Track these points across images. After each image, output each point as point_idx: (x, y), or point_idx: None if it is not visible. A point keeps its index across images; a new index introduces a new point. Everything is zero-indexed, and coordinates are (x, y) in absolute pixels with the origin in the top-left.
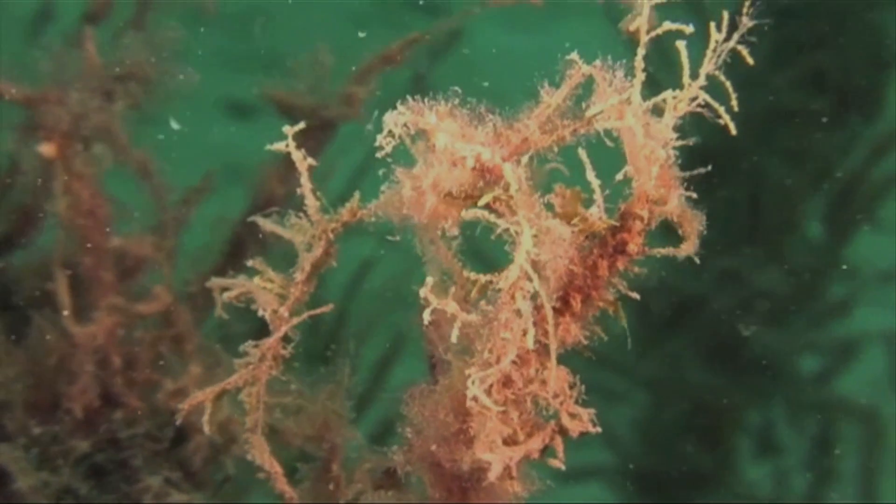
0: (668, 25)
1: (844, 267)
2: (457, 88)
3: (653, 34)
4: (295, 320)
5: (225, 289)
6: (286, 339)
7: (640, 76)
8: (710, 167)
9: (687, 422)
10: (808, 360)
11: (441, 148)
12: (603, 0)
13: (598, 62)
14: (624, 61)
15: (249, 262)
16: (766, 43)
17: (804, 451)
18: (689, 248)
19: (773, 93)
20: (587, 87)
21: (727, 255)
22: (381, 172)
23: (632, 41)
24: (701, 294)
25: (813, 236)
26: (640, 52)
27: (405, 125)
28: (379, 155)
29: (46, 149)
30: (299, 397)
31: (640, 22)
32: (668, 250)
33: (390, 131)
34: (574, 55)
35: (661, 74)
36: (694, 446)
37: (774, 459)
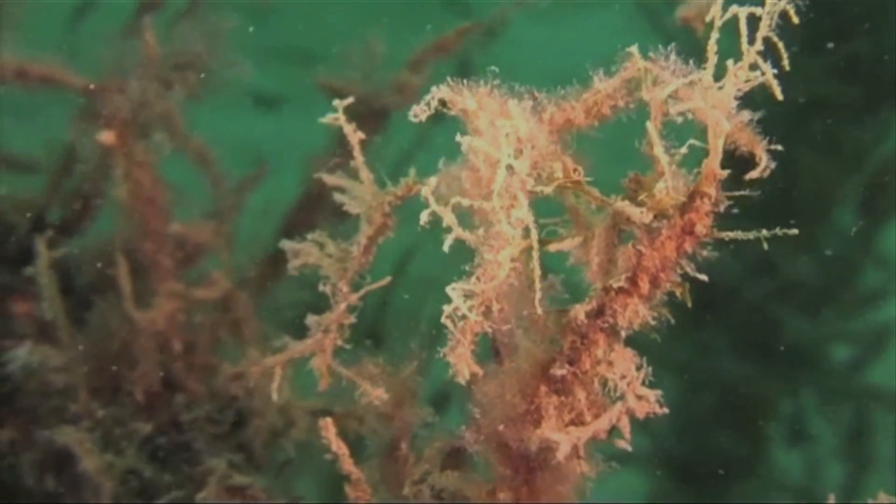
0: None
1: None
2: (494, 69)
3: (726, 17)
4: (355, 295)
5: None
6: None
7: (713, 58)
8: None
9: (719, 409)
10: (840, 349)
11: (483, 127)
12: None
13: (652, 54)
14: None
15: (310, 236)
16: (799, 31)
17: (837, 440)
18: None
19: (805, 81)
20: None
21: (760, 243)
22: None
23: (658, 29)
24: (733, 282)
25: (846, 226)
26: (714, 35)
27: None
28: (413, 119)
29: (106, 136)
30: (376, 376)
31: (704, 8)
32: (735, 234)
33: (427, 103)
34: (633, 48)
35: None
36: (726, 434)
37: (807, 447)
